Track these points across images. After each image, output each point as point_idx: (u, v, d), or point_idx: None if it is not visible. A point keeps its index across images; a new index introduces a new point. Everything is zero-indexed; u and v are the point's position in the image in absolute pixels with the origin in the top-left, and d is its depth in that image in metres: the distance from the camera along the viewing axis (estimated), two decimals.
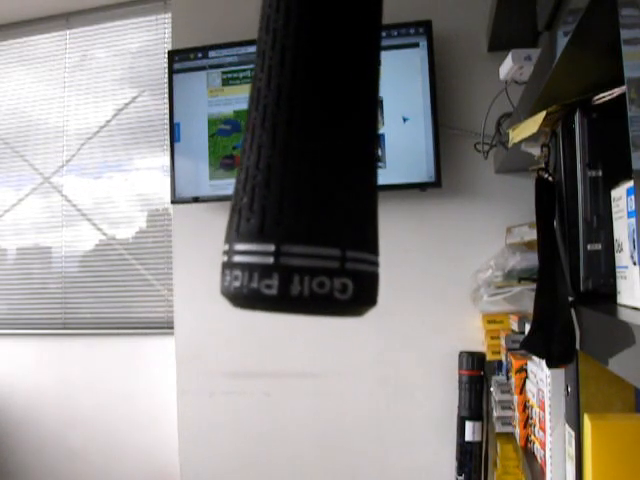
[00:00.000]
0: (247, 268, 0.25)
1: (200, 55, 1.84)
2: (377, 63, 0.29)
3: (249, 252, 0.25)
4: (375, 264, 0.27)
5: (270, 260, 0.25)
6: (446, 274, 1.72)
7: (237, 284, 0.25)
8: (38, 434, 2.25)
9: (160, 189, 2.26)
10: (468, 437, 1.56)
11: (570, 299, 0.65)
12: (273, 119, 0.26)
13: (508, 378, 1.41)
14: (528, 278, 1.34)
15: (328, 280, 0.24)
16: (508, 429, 1.40)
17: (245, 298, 0.25)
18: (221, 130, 1.81)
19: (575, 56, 0.65)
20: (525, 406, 1.15)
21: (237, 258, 0.26)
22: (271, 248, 0.25)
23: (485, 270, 1.53)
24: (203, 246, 1.88)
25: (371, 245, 0.27)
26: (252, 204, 0.26)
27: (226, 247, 0.27)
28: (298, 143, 0.26)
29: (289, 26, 0.27)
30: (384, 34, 1.69)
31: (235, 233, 0.26)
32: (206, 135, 1.81)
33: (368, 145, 0.28)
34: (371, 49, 0.29)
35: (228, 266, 0.26)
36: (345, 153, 0.27)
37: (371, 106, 0.29)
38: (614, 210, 0.60)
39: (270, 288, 0.24)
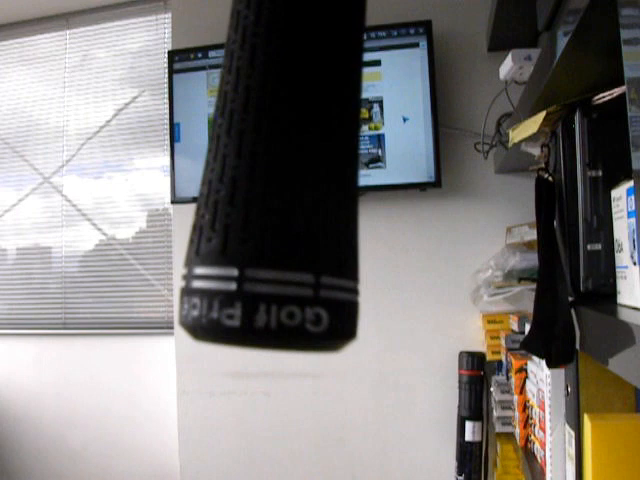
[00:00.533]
0: (207, 295, 0.22)
1: (200, 55, 1.84)
2: (359, 65, 0.26)
3: (209, 277, 0.22)
4: (354, 292, 0.24)
5: (232, 286, 0.21)
6: (446, 274, 1.72)
7: (195, 313, 0.22)
8: (38, 434, 2.25)
9: (160, 189, 2.26)
10: (468, 437, 1.56)
11: (570, 299, 0.65)
12: (240, 126, 0.23)
13: (508, 378, 1.41)
14: (528, 278, 1.34)
15: (299, 310, 0.21)
16: (508, 429, 1.40)
17: (204, 330, 0.22)
18: None
19: (575, 56, 0.65)
20: (525, 406, 1.15)
21: (196, 284, 0.22)
22: (234, 272, 0.21)
23: (485, 270, 1.53)
24: None
25: (350, 270, 0.24)
26: (214, 222, 0.22)
27: (185, 271, 0.23)
28: (266, 153, 0.23)
29: (260, 23, 0.24)
30: (384, 34, 1.70)
31: (195, 255, 0.23)
32: (206, 135, 1.81)
33: (348, 154, 0.25)
34: (351, 49, 0.25)
35: (186, 292, 0.23)
36: (321, 164, 0.24)
37: (352, 113, 0.25)
38: (614, 210, 0.60)
39: (232, 319, 0.21)
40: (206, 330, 0.22)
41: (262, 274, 0.21)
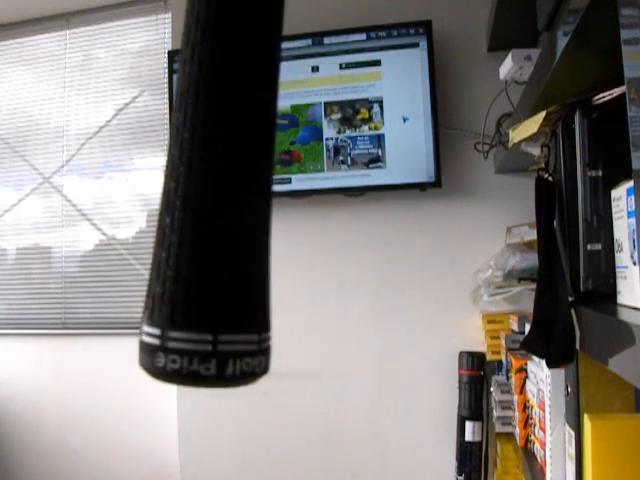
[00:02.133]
0: (187, 353, 0.29)
1: None
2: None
3: (187, 340, 0.29)
4: (271, 338, 0.32)
5: (209, 347, 0.29)
6: (446, 274, 1.72)
7: (176, 367, 0.29)
8: (38, 434, 2.25)
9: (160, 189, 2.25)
10: (468, 437, 1.56)
11: (570, 299, 0.65)
12: (176, 252, 0.29)
13: (508, 378, 1.41)
14: (528, 278, 1.34)
15: (251, 359, 0.30)
16: (508, 429, 1.40)
17: (183, 377, 0.29)
18: None
19: (575, 56, 0.65)
20: (525, 406, 1.15)
21: (173, 344, 0.29)
22: (209, 337, 0.29)
23: (485, 270, 1.53)
24: None
25: (270, 323, 0.32)
26: (187, 298, 0.29)
27: (157, 331, 0.30)
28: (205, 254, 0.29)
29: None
30: (384, 34, 1.70)
31: (170, 321, 0.29)
32: None
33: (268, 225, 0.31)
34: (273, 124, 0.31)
35: (162, 350, 0.29)
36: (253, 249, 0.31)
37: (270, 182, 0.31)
38: (614, 210, 0.60)
39: (209, 370, 0.29)
40: (185, 378, 0.29)
41: (228, 337, 0.29)
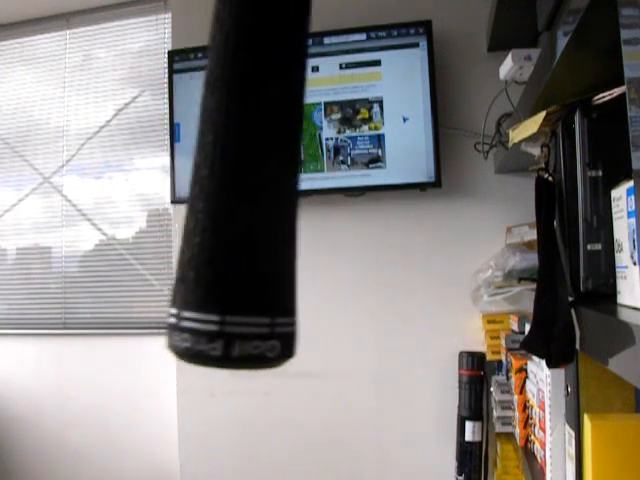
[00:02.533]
0: (195, 333, 0.30)
1: (200, 55, 1.83)
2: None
3: (196, 320, 0.30)
4: (295, 324, 0.32)
5: (215, 328, 0.29)
6: (446, 274, 1.72)
7: (187, 345, 0.30)
8: (38, 434, 2.25)
9: (160, 189, 2.26)
10: (468, 437, 1.56)
11: (570, 299, 0.65)
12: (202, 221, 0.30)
13: (508, 378, 1.41)
14: (528, 278, 1.34)
15: (261, 343, 0.30)
16: (508, 429, 1.40)
17: (192, 356, 0.30)
18: None
19: (575, 56, 0.65)
20: (525, 406, 1.15)
21: (185, 324, 0.30)
22: (216, 318, 0.29)
23: (485, 270, 1.53)
24: None
25: (294, 310, 0.32)
26: (198, 280, 0.30)
27: (174, 311, 0.31)
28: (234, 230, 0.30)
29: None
30: (384, 34, 1.70)
31: (183, 302, 0.30)
32: None
33: (294, 218, 0.32)
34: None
35: (177, 329, 0.30)
36: (276, 237, 0.31)
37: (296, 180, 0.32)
38: (614, 210, 0.60)
39: (215, 350, 0.29)
40: (193, 357, 0.30)
41: (236, 319, 0.29)
